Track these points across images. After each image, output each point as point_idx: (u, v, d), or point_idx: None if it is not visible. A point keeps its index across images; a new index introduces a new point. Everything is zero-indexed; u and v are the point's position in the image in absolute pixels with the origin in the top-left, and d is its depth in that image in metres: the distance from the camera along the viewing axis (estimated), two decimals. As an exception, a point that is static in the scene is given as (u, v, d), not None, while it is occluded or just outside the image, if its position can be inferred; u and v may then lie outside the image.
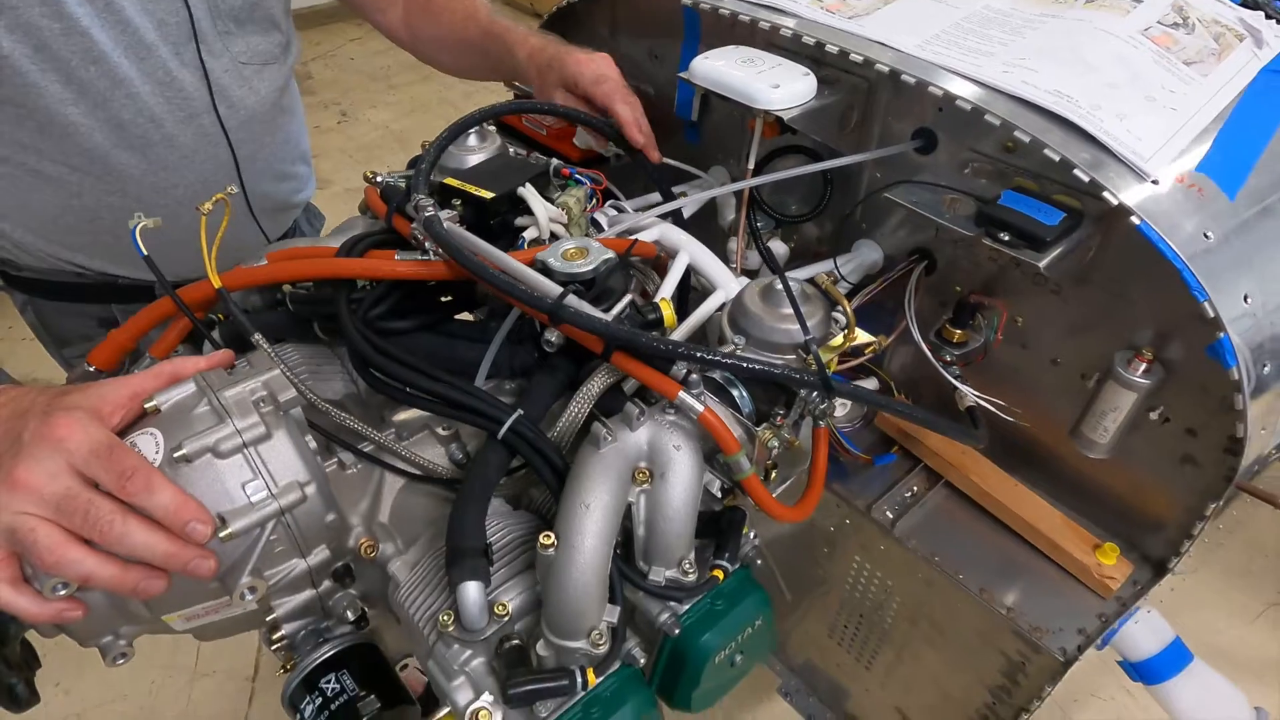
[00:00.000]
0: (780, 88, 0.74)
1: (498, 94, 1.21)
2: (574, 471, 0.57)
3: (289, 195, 1.11)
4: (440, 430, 0.69)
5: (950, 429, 0.70)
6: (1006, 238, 0.64)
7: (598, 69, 0.88)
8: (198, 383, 0.57)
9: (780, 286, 0.63)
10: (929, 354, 0.79)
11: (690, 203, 0.83)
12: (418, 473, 0.67)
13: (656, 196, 1.01)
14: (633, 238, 0.77)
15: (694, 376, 0.59)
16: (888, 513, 0.84)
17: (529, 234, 0.75)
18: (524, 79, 0.98)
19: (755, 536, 0.65)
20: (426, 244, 0.67)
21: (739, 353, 0.61)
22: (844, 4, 0.81)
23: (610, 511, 0.55)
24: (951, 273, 0.83)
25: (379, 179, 0.79)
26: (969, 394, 0.78)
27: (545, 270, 0.66)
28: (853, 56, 0.75)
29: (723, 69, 0.77)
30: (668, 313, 0.72)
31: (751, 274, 0.96)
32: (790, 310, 0.62)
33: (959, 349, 0.83)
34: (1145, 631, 1.07)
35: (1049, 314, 0.77)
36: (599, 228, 0.84)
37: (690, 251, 0.81)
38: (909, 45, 0.75)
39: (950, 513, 0.85)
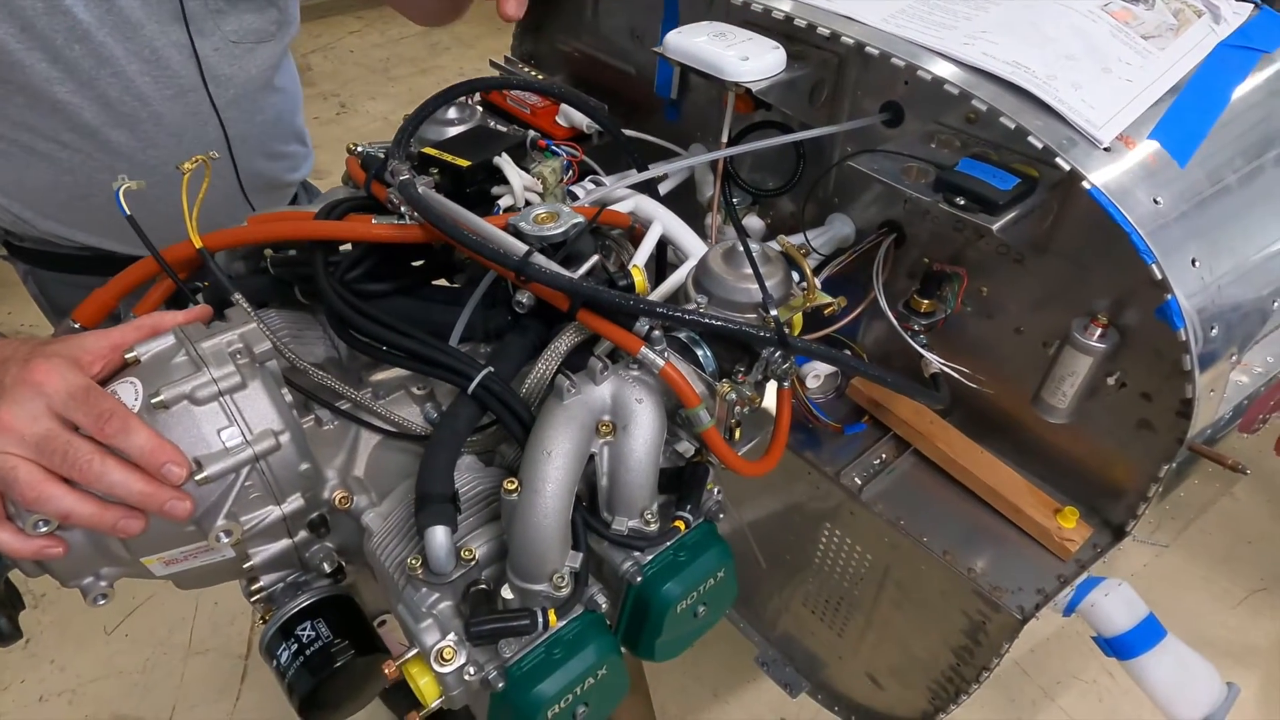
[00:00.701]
0: (749, 60, 0.76)
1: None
2: (539, 422, 0.59)
3: (282, 173, 1.12)
4: (415, 390, 0.71)
5: (910, 388, 0.72)
6: (962, 202, 0.66)
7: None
8: (176, 335, 0.59)
9: (742, 249, 0.65)
10: (894, 321, 0.81)
11: (663, 171, 0.85)
12: (392, 430, 0.69)
13: (633, 172, 1.03)
14: (603, 206, 0.79)
15: (657, 333, 0.61)
16: (855, 479, 0.86)
17: (504, 202, 0.77)
18: None
19: (719, 492, 0.67)
20: (402, 208, 0.69)
21: (701, 310, 0.63)
22: (816, -19, 0.83)
23: (572, 459, 0.57)
24: (920, 245, 0.85)
25: (359, 149, 0.81)
26: (933, 361, 0.81)
27: (517, 234, 0.68)
28: (820, 30, 0.77)
29: (695, 43, 0.79)
30: (639, 279, 0.74)
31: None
32: (745, 270, 0.64)
33: (926, 319, 0.85)
34: (1119, 606, 1.09)
35: (1012, 284, 0.79)
36: (575, 200, 0.87)
37: (664, 222, 0.83)
38: (874, 19, 0.77)
39: (917, 480, 0.87)
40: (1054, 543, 0.78)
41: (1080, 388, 0.74)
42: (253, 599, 0.67)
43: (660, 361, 0.60)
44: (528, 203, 0.79)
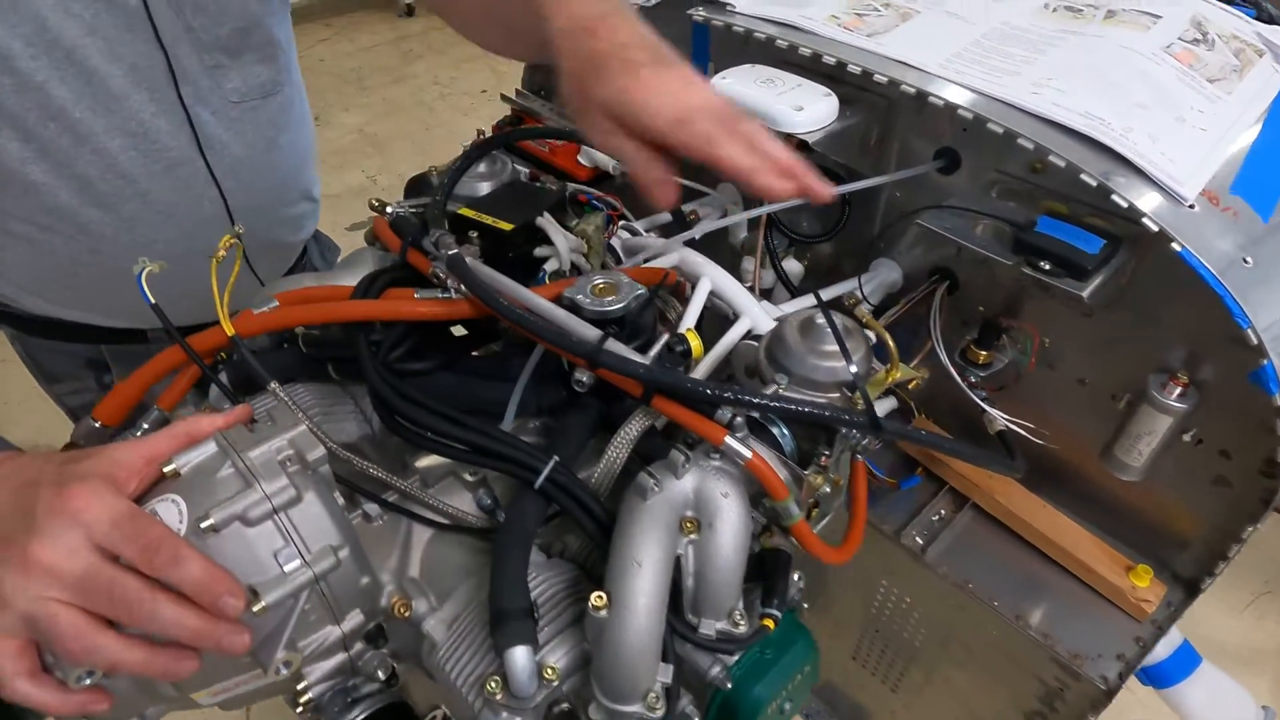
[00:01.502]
0: (804, 110, 0.72)
1: (476, 99, 1.17)
2: (621, 525, 0.55)
3: (289, 235, 1.05)
4: (466, 476, 0.66)
5: (989, 460, 0.68)
6: (1047, 266, 0.63)
7: (680, 103, 0.56)
8: (219, 443, 0.54)
9: (821, 320, 0.61)
10: (957, 379, 0.78)
11: (711, 227, 0.81)
12: (447, 523, 0.64)
13: (665, 215, 0.99)
14: (664, 268, 0.75)
15: (739, 419, 0.57)
16: (917, 538, 0.83)
17: (550, 266, 0.73)
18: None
19: (800, 579, 0.63)
20: (449, 282, 0.65)
21: (783, 393, 0.59)
22: (862, 21, 0.79)
23: (662, 568, 0.53)
24: (973, 291, 0.82)
25: (389, 210, 0.76)
26: (999, 418, 0.78)
27: (574, 308, 0.63)
28: (876, 77, 0.73)
29: (743, 90, 0.75)
30: (695, 344, 0.70)
31: (766, 294, 0.94)
32: (833, 346, 0.60)
33: (984, 370, 0.82)
34: (1157, 636, 1.08)
35: (1076, 334, 0.76)
36: (614, 254, 0.82)
37: (711, 277, 0.78)
38: (931, 64, 0.73)
39: (979, 536, 0.84)
40: (1129, 603, 0.76)
41: (1157, 446, 0.71)
42: (300, 710, 0.62)
43: (747, 453, 0.56)
44: (573, 265, 0.74)
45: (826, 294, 0.88)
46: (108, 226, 0.84)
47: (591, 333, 0.58)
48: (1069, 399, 0.79)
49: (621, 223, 0.87)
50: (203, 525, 0.49)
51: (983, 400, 0.79)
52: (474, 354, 0.72)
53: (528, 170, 0.92)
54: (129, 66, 0.77)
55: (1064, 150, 0.66)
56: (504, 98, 1.14)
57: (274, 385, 0.61)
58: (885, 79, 0.73)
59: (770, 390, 0.59)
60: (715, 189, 1.04)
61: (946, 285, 0.83)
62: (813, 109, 0.73)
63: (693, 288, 0.78)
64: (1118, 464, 0.75)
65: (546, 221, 0.73)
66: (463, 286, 0.64)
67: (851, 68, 0.75)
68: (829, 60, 0.76)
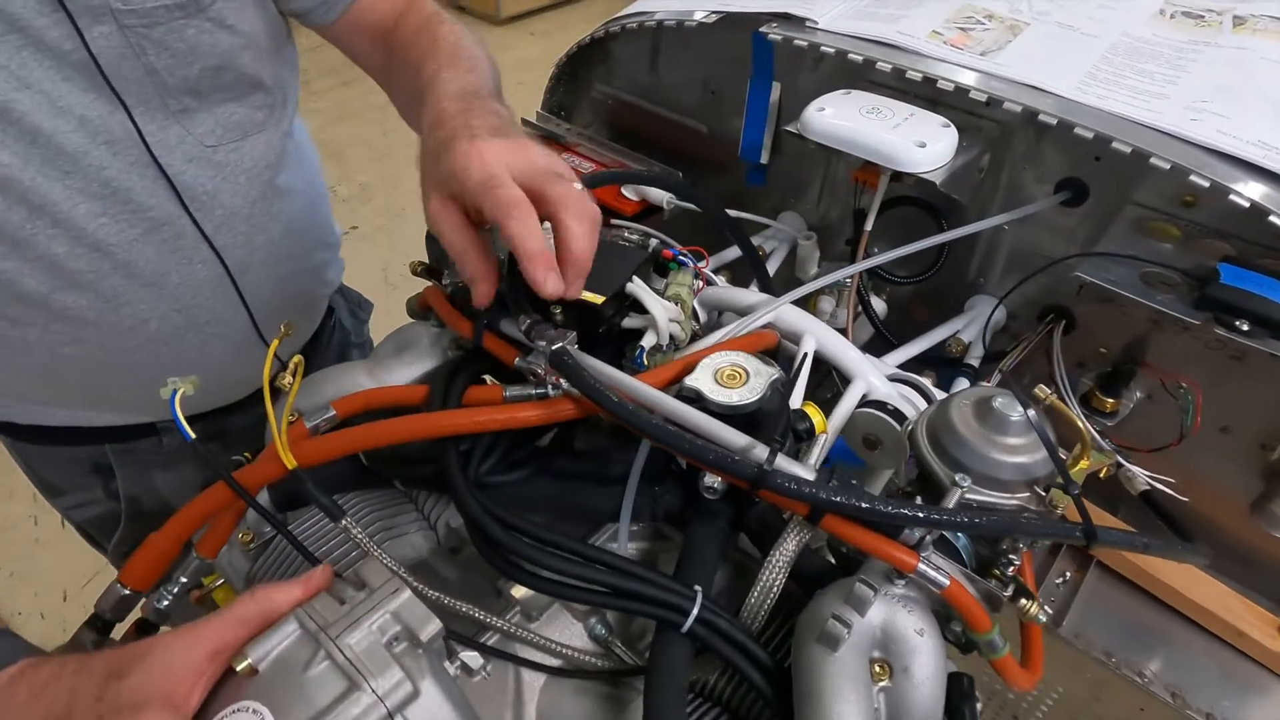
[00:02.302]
0: (927, 146, 0.63)
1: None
2: (809, 686, 0.45)
3: (306, 293, 0.90)
4: (576, 604, 0.56)
5: (1176, 552, 0.60)
6: (1245, 326, 0.55)
7: (491, 166, 0.51)
8: (304, 624, 0.42)
9: (1000, 403, 0.52)
10: (1095, 437, 0.70)
11: (818, 285, 0.71)
12: (562, 665, 0.54)
13: (734, 252, 0.89)
14: (767, 333, 0.65)
15: (927, 538, 0.48)
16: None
17: (647, 341, 0.62)
18: None
19: (980, 706, 0.54)
20: (548, 379, 0.54)
21: (970, 499, 0.50)
22: (968, 38, 0.70)
23: (868, 737, 0.43)
24: (1093, 331, 0.75)
25: (445, 283, 0.64)
26: (1140, 476, 0.70)
27: (697, 401, 0.53)
28: (1007, 105, 0.64)
29: (851, 124, 0.65)
30: (818, 419, 0.61)
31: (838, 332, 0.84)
32: (1018, 438, 0.51)
33: (1111, 419, 0.74)
34: None
35: (1224, 379, 0.69)
36: (696, 316, 0.72)
37: (816, 335, 0.69)
38: (1064, 87, 0.64)
39: (1109, 599, 0.76)
40: (1289, 670, 0.69)
41: (1325, 503, 0.64)
42: None
43: (944, 580, 0.47)
44: (671, 338, 0.64)
45: (927, 340, 0.79)
46: (88, 310, 0.70)
47: (744, 442, 0.48)
48: (1210, 448, 0.71)
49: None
50: (304, 749, 0.38)
51: (1117, 454, 0.72)
52: (574, 448, 0.61)
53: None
54: (78, 120, 0.63)
55: (1225, 179, 0.58)
56: (524, 122, 1.02)
57: (348, 523, 0.50)
58: (1019, 107, 0.64)
59: (954, 495, 0.49)
60: (776, 218, 0.95)
61: (1063, 325, 0.76)
62: (935, 144, 0.64)
63: (800, 352, 0.69)
64: (1274, 519, 0.68)
65: (639, 288, 0.62)
66: (564, 383, 0.53)
67: (975, 94, 0.65)
68: (945, 86, 0.67)
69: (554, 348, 0.52)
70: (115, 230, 0.69)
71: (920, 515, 0.46)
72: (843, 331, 0.82)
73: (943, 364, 0.79)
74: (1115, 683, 0.72)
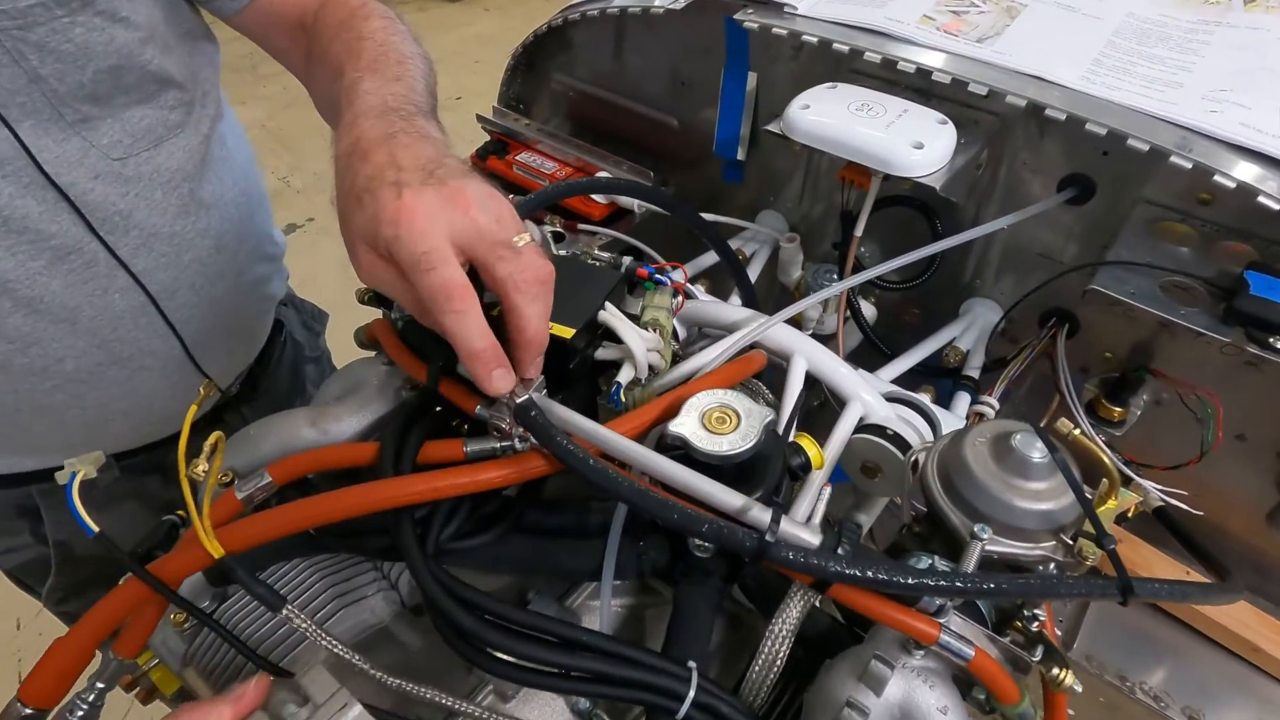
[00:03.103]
0: (924, 148, 0.57)
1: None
2: (826, 785, 0.40)
3: (245, 312, 0.82)
4: (557, 677, 0.50)
5: (1211, 595, 0.55)
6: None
7: (420, 238, 0.42)
8: (237, 755, 0.36)
9: (1018, 441, 0.46)
10: (1100, 447, 0.65)
11: (811, 302, 0.65)
12: (544, 752, 0.48)
13: (710, 257, 0.82)
14: (755, 355, 0.59)
15: (947, 604, 0.43)
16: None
17: (623, 376, 0.56)
18: None
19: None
20: (514, 433, 0.47)
21: (990, 550, 0.45)
22: (962, 22, 0.64)
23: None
24: (1097, 335, 0.70)
25: (394, 315, 0.57)
26: (1153, 491, 0.65)
27: (681, 451, 0.47)
28: (1010, 99, 0.58)
29: (839, 125, 0.59)
30: (814, 454, 0.56)
31: (824, 339, 0.79)
32: (1039, 482, 0.46)
33: (1118, 428, 0.70)
34: None
35: (1239, 386, 0.64)
36: (676, 335, 0.66)
37: (807, 355, 0.63)
38: (1070, 77, 0.59)
39: (1120, 615, 0.73)
40: (1309, 687, 0.66)
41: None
42: None
43: (970, 652, 0.42)
44: (651, 368, 0.57)
45: (922, 350, 0.74)
46: None
47: (739, 503, 0.43)
48: (1225, 456, 0.67)
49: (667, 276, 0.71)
50: None
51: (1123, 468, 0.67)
52: (546, 498, 0.55)
53: (552, 224, 0.74)
54: None
55: (1267, 184, 0.53)
56: (480, 119, 0.95)
57: (289, 610, 0.43)
58: (1023, 101, 0.58)
59: (975, 551, 0.44)
60: (755, 219, 0.88)
61: (1066, 328, 0.71)
62: (934, 144, 0.58)
63: (788, 373, 0.63)
64: (1294, 533, 0.64)
65: (613, 316, 0.56)
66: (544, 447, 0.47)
67: (975, 87, 0.59)
68: (942, 78, 0.61)
69: (518, 401, 0.45)
70: (13, 264, 0.60)
71: (945, 585, 0.40)
72: (831, 338, 0.77)
73: (939, 375, 0.74)
74: (1130, 706, 0.68)
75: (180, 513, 0.53)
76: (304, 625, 0.44)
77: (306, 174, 3.11)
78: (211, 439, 0.41)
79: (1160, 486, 0.66)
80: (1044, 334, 0.70)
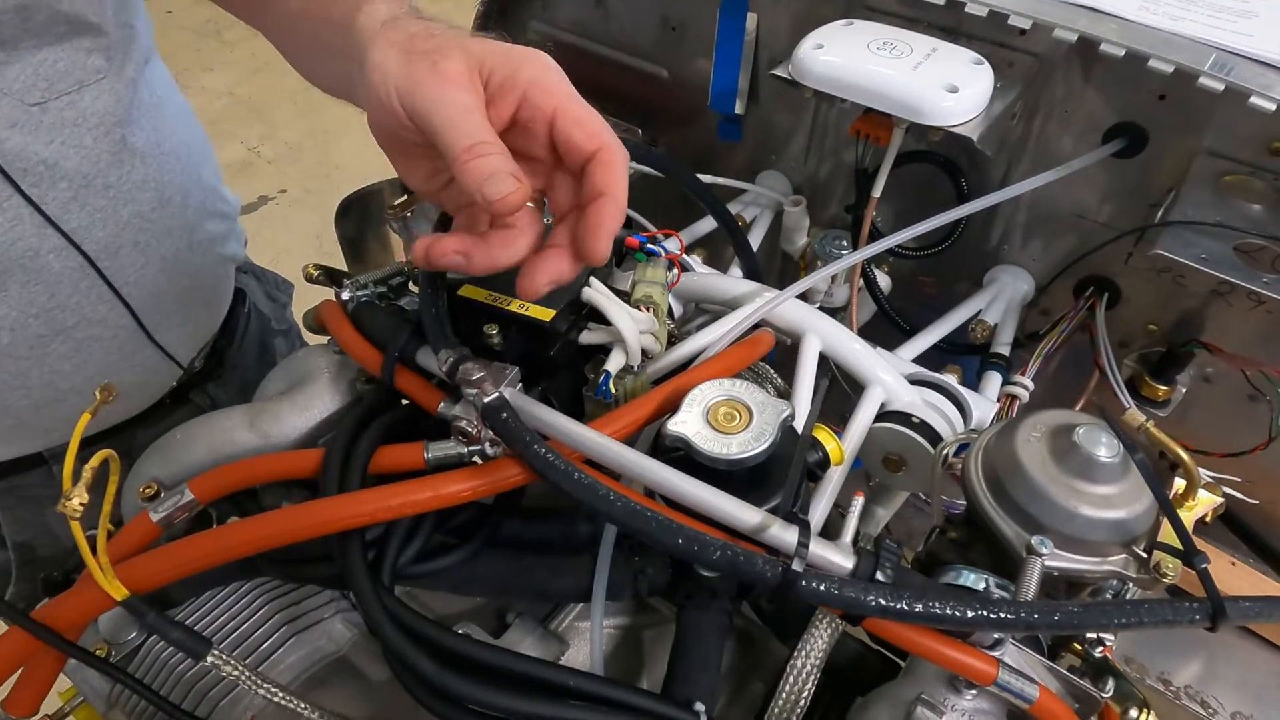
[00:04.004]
0: (959, 92, 0.49)
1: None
2: None
3: (197, 276, 0.73)
4: None
5: None
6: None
7: (592, 123, 0.40)
8: None
9: (1081, 435, 0.39)
10: (1176, 445, 0.58)
11: (827, 273, 0.57)
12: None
13: (708, 223, 0.74)
14: (763, 334, 0.51)
15: (1008, 638, 0.36)
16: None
17: (613, 363, 0.48)
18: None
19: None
20: (484, 437, 0.40)
21: (1052, 562, 0.38)
22: (997, -54, 0.55)
23: None
24: (1142, 305, 0.63)
25: (345, 294, 0.49)
26: (1205, 479, 0.59)
27: (683, 453, 0.40)
28: (1059, 34, 0.50)
29: (859, 67, 0.51)
30: (833, 448, 0.48)
31: (833, 312, 0.71)
32: (1111, 486, 0.39)
33: (1163, 409, 0.63)
34: None
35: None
36: (671, 313, 0.58)
37: (821, 334, 0.56)
38: (1127, 8, 0.51)
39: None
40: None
41: None
42: None
43: (1034, 693, 0.35)
44: (644, 353, 0.50)
45: (945, 325, 0.66)
46: None
47: (754, 520, 0.35)
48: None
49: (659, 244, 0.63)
50: None
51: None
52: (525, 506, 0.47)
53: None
54: None
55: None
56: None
57: (215, 657, 0.36)
58: (1074, 35, 0.49)
59: (1034, 569, 0.37)
60: (756, 180, 0.80)
61: (1105, 298, 0.63)
62: (969, 89, 0.50)
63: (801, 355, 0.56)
64: (1360, 523, 0.58)
65: (599, 294, 0.48)
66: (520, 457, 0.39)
67: (1015, 20, 0.51)
68: (976, 10, 0.52)
69: (487, 400, 0.38)
70: None
71: (1010, 618, 0.33)
72: (844, 311, 0.70)
73: (965, 352, 0.66)
74: (1177, 714, 0.63)
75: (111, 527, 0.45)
76: (235, 672, 0.36)
77: (278, 144, 2.98)
78: (96, 459, 0.33)
79: (1216, 475, 0.60)
80: (1081, 305, 0.63)
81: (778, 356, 0.56)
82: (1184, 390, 0.63)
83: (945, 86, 0.49)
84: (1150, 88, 0.52)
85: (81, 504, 0.31)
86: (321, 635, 0.50)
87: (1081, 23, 0.50)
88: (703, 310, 0.63)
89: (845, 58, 0.51)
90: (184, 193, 0.69)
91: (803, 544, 0.34)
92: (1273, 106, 0.45)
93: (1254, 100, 0.45)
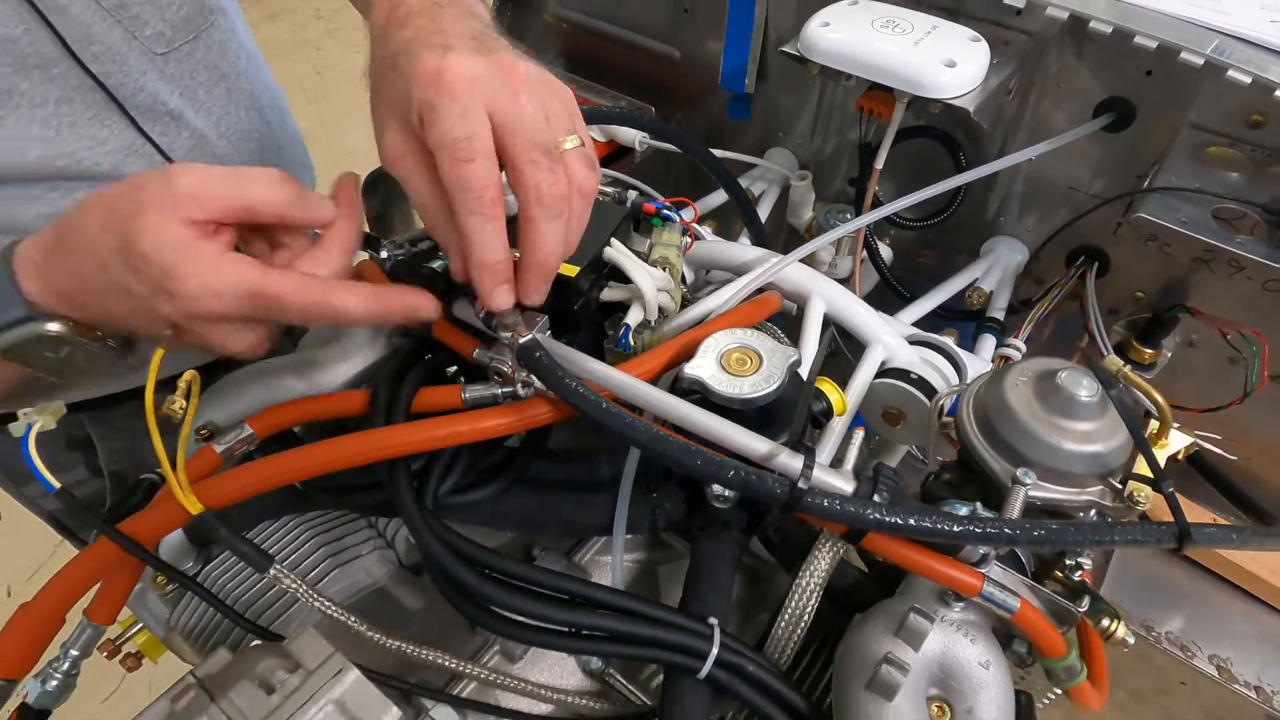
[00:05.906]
0: (956, 66, 0.53)
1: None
2: (863, 746, 0.37)
3: None
4: (566, 635, 0.47)
5: (1273, 541, 0.52)
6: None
7: (460, 117, 0.37)
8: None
9: (1063, 378, 0.43)
10: (1149, 386, 0.62)
11: (826, 240, 0.61)
12: (554, 712, 0.45)
13: (719, 196, 0.78)
14: (770, 295, 0.55)
15: (990, 554, 0.40)
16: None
17: (632, 318, 0.52)
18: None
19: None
20: (517, 377, 0.43)
21: (1034, 496, 0.42)
22: (995, -70, 0.59)
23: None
24: (1130, 272, 0.66)
25: (383, 255, 0.53)
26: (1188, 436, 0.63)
27: (700, 395, 0.44)
28: (1051, 12, 0.54)
29: (863, 43, 0.54)
30: (836, 399, 0.52)
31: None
32: (1086, 422, 0.42)
33: (1148, 371, 0.67)
34: None
35: (1276, 321, 0.61)
36: (684, 279, 0.62)
37: (825, 296, 0.59)
38: (1114, -13, 0.54)
39: (1144, 563, 0.70)
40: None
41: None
42: None
43: (1015, 603, 0.39)
44: (661, 310, 0.53)
45: (944, 292, 0.70)
46: None
47: (765, 448, 0.39)
48: (1263, 398, 0.64)
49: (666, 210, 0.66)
50: None
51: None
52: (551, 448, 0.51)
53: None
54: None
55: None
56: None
57: (277, 570, 0.40)
58: (1064, 13, 0.53)
59: (1018, 496, 0.41)
60: (764, 156, 0.84)
61: (1095, 267, 0.67)
62: (966, 64, 0.53)
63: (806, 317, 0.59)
64: (1334, 477, 0.62)
65: (620, 254, 0.51)
66: (537, 381, 0.43)
67: (1011, 0, 0.54)
68: (973, -11, 0.56)
69: (522, 340, 0.41)
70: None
71: (992, 533, 0.37)
72: (847, 282, 0.73)
73: (962, 318, 0.70)
74: (1156, 656, 0.66)
75: (157, 471, 0.49)
76: (294, 585, 0.40)
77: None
78: (186, 376, 0.37)
79: (1198, 433, 0.63)
80: (1072, 273, 0.66)
81: (784, 329, 0.59)
82: (1169, 354, 0.67)
83: (944, 61, 0.52)
84: (1138, 64, 0.55)
85: (181, 409, 0.35)
86: (360, 570, 0.54)
87: (1071, 1, 0.53)
88: (709, 281, 0.67)
89: (850, 34, 0.55)
90: (277, 146, 0.73)
91: (808, 465, 0.38)
92: (1249, 79, 0.49)
93: (1231, 74, 0.49)
